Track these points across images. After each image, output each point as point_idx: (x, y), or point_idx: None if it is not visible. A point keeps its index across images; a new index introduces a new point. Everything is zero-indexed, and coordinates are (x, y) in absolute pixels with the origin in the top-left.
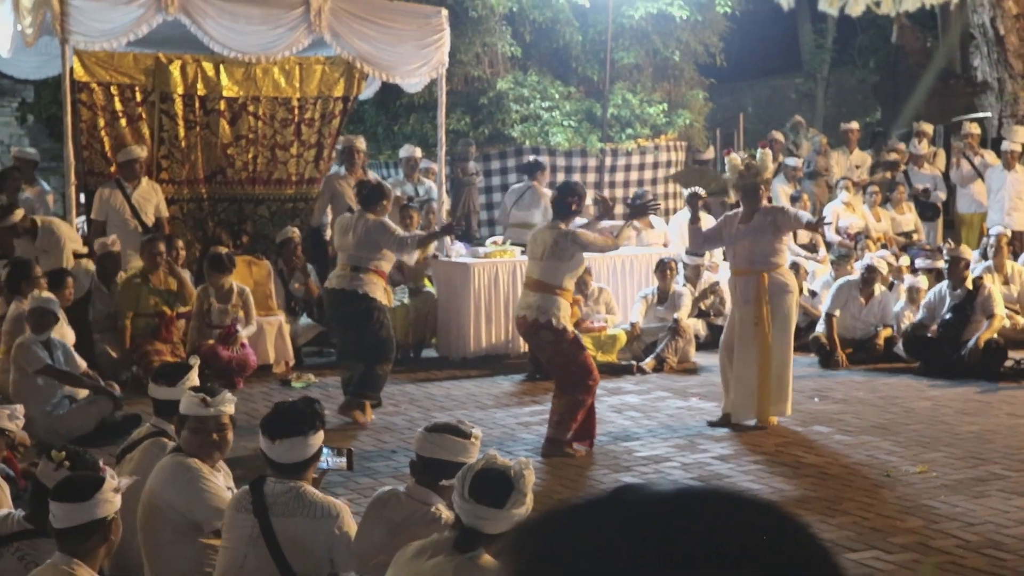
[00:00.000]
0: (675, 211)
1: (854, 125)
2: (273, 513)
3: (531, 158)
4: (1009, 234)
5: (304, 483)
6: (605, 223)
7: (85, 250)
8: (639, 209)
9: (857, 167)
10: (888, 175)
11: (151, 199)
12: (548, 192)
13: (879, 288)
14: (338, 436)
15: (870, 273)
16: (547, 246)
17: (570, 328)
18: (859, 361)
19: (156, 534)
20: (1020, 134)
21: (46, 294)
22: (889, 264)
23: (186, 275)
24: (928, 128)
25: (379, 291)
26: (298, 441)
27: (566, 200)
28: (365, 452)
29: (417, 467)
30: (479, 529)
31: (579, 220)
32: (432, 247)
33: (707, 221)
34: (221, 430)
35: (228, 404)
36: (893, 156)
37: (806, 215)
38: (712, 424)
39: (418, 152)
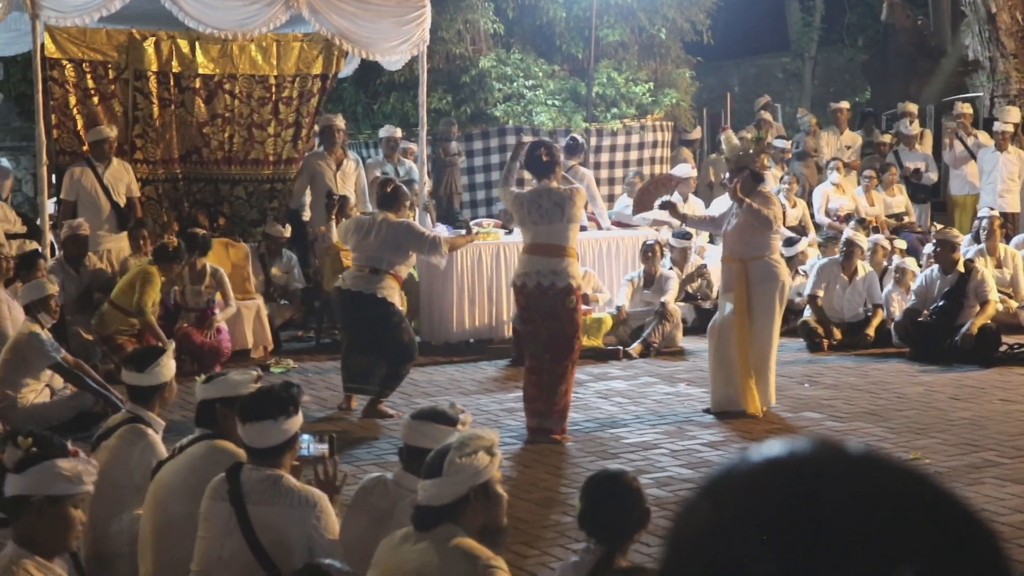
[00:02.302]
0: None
1: (844, 105)
2: (250, 501)
3: (573, 137)
4: (1000, 217)
5: (282, 471)
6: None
7: (22, 229)
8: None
9: (847, 147)
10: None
11: (122, 179)
12: (587, 172)
13: (863, 266)
14: (320, 423)
15: (849, 247)
16: (564, 208)
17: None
18: (849, 347)
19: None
20: (1012, 114)
21: (44, 279)
22: (883, 248)
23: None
24: (913, 108)
25: (396, 295)
26: (268, 425)
27: (539, 157)
28: (348, 439)
29: (403, 454)
30: (429, 503)
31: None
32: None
33: (694, 205)
34: None
35: None
36: (887, 138)
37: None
38: (706, 411)
39: (398, 132)
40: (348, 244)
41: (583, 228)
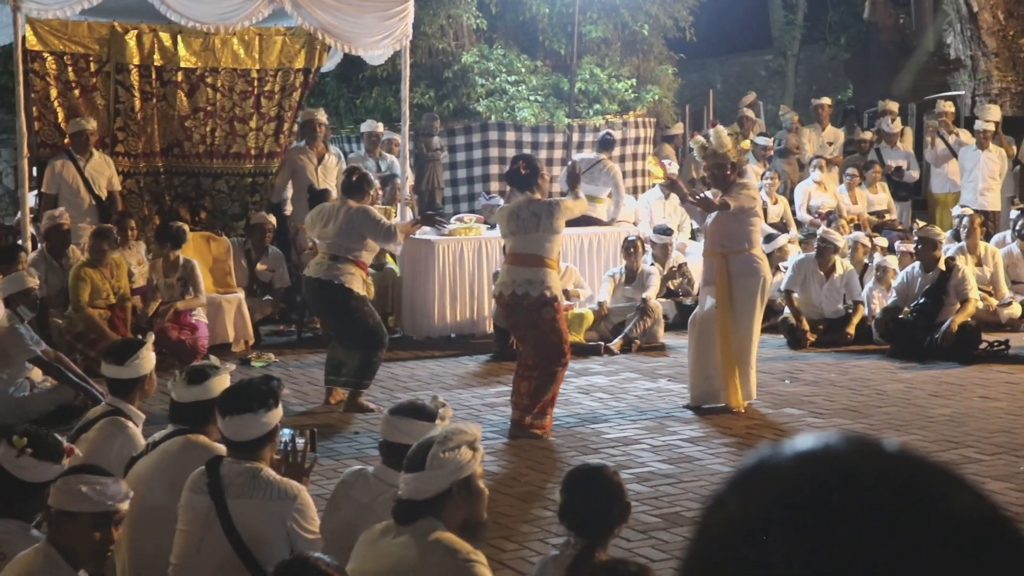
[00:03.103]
0: (643, 189)
1: (825, 101)
2: (229, 494)
3: (606, 133)
4: (978, 215)
5: (261, 464)
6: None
7: None
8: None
9: (829, 144)
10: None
11: (104, 172)
12: (615, 166)
13: (842, 264)
14: (301, 417)
15: (824, 243)
16: (540, 218)
17: (561, 298)
18: (829, 344)
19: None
20: (993, 113)
21: (24, 272)
22: (864, 245)
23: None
24: (893, 106)
25: (357, 282)
26: (248, 418)
27: (518, 170)
28: (328, 433)
29: (383, 449)
30: (410, 497)
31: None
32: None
33: (675, 201)
34: None
35: None
36: (868, 135)
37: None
38: (687, 406)
39: (380, 127)
40: (312, 233)
41: (602, 223)
